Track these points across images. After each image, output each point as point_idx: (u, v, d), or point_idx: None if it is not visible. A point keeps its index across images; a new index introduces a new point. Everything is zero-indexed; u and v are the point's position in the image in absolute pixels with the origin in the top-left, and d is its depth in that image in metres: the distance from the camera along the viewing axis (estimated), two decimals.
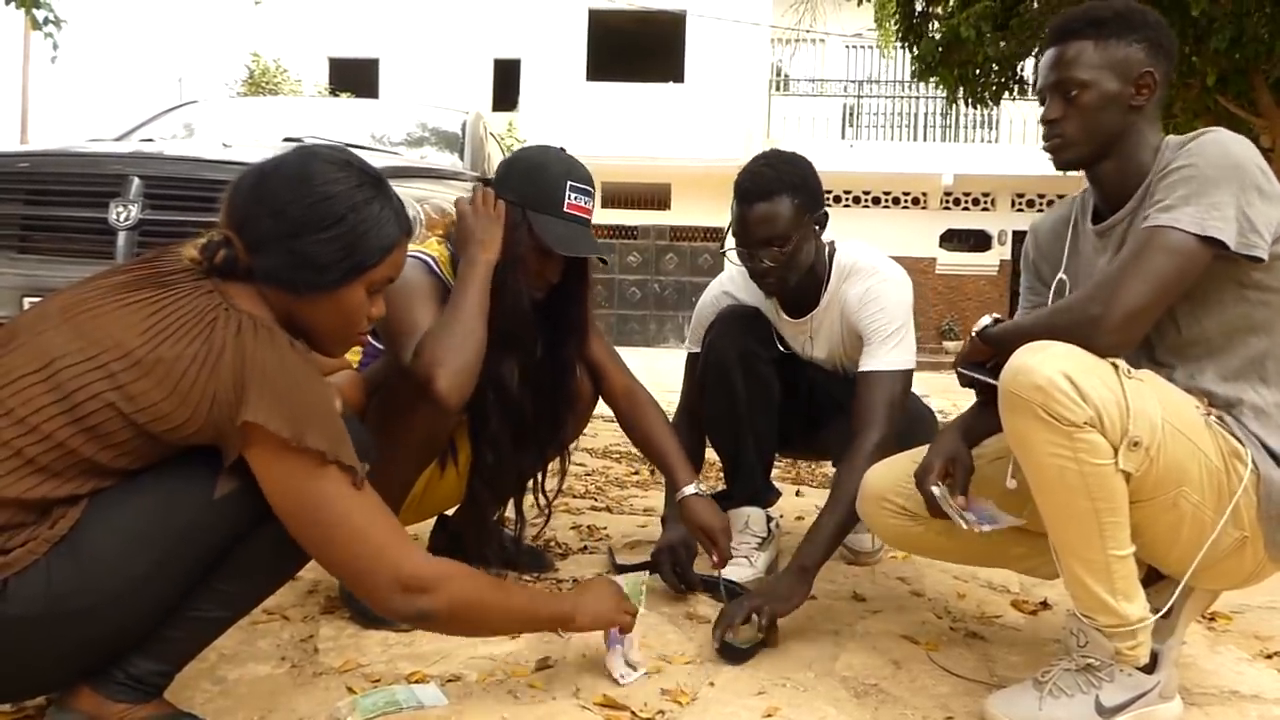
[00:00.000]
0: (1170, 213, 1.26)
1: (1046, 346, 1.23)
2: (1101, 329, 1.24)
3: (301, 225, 1.14)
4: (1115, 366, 1.23)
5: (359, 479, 1.11)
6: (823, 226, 1.92)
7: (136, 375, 1.03)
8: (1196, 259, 1.25)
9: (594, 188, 1.74)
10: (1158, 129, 1.42)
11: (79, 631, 1.03)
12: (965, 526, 1.37)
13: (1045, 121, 1.42)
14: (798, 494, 3.13)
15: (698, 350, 2.12)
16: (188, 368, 1.04)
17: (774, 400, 2.01)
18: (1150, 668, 1.32)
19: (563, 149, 1.75)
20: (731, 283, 2.14)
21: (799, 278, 1.90)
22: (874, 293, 1.92)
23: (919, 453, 1.50)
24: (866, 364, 1.88)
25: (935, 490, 1.40)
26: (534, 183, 1.69)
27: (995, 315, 1.44)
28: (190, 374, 1.04)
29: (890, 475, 1.55)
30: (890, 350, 1.87)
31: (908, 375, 1.90)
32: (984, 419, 1.45)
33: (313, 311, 1.18)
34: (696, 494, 1.78)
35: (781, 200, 1.82)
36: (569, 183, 1.68)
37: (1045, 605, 1.91)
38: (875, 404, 1.83)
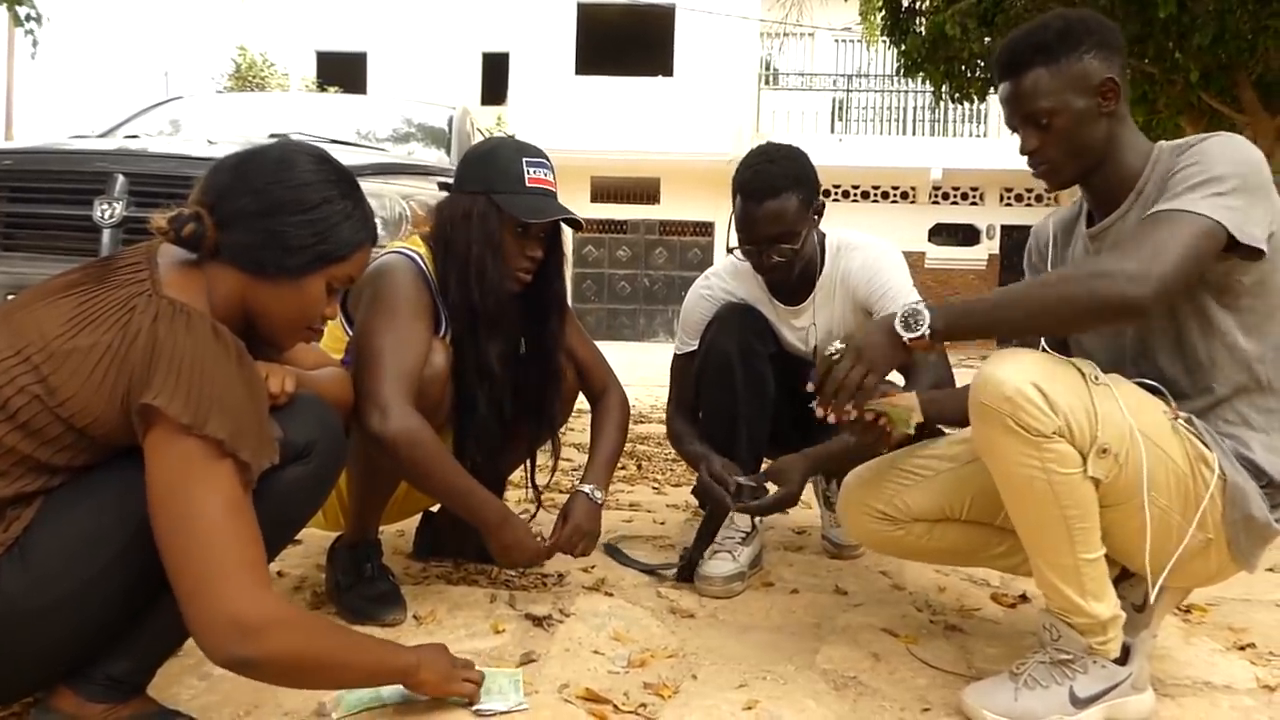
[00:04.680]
0: (1179, 199, 1.25)
1: (1016, 355, 1.25)
2: (1139, 280, 1.18)
3: (279, 205, 1.16)
4: (1082, 373, 1.25)
5: (251, 477, 1.05)
6: (820, 215, 1.94)
7: (55, 366, 1.02)
8: (1214, 236, 1.23)
9: (550, 162, 1.73)
10: (1133, 127, 1.43)
11: (42, 632, 1.03)
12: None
13: (1026, 153, 1.42)
14: None
15: (686, 350, 2.11)
16: (101, 356, 1.03)
17: (769, 399, 2.01)
18: (1123, 659, 1.34)
19: (511, 136, 1.75)
20: (719, 278, 2.13)
21: (802, 266, 1.94)
22: (875, 262, 1.99)
23: (895, 455, 1.54)
24: None
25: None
26: (491, 168, 1.69)
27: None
28: (104, 363, 1.03)
29: (868, 481, 1.58)
30: None
31: None
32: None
33: (271, 298, 1.18)
34: (589, 495, 1.77)
35: (788, 197, 1.82)
36: (524, 159, 1.68)
37: (1024, 598, 1.93)
38: (916, 359, 1.80)
